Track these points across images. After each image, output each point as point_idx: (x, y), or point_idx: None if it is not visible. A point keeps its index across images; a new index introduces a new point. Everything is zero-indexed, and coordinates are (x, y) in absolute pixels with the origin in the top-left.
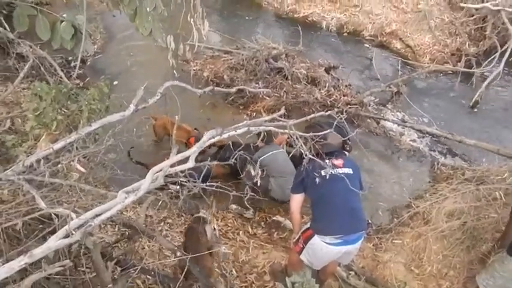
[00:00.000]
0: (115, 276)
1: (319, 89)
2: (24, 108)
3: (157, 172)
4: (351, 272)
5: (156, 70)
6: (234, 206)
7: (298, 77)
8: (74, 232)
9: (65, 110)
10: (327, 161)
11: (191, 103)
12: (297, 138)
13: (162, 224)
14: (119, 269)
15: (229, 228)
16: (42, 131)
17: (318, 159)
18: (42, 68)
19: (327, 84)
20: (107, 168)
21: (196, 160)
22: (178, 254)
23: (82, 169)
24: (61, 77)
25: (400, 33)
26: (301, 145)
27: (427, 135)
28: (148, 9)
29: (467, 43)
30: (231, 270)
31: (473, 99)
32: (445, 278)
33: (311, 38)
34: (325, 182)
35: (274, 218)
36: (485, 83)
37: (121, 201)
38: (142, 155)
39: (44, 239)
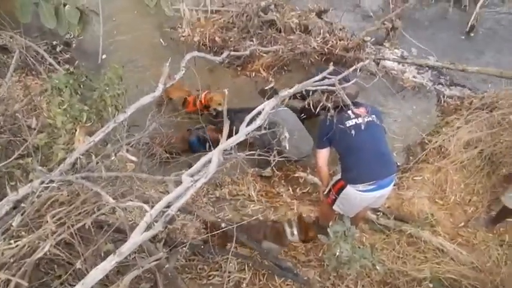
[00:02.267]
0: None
1: (315, 37)
2: (42, 102)
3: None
4: (378, 213)
5: (144, 41)
6: (251, 168)
7: (291, 27)
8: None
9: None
10: (349, 111)
11: (188, 72)
12: (322, 93)
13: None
14: None
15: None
16: (74, 124)
17: (344, 111)
18: (28, 58)
19: (321, 31)
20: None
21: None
22: (223, 225)
23: (133, 158)
24: (50, 64)
25: None
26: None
27: (428, 69)
28: None
29: None
30: None
31: (469, 24)
32: (469, 204)
33: None
34: (351, 132)
35: (296, 175)
36: (479, 3)
37: (189, 185)
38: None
39: (113, 235)
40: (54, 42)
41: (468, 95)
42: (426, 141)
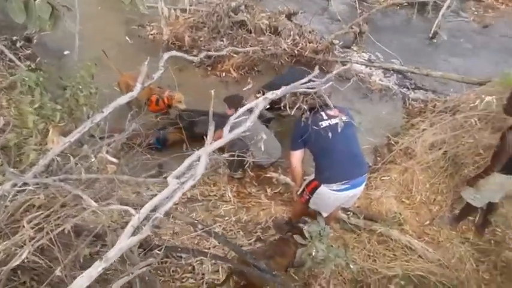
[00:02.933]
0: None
1: (285, 39)
2: (2, 99)
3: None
4: (349, 213)
5: (108, 37)
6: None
7: (262, 29)
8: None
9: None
10: (322, 112)
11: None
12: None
13: None
14: None
15: (224, 191)
16: (46, 124)
17: (318, 113)
18: None
19: (291, 33)
20: (136, 154)
21: None
22: (200, 226)
23: (114, 160)
24: (10, 60)
25: None
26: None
27: (394, 72)
28: None
29: None
30: (238, 231)
31: (432, 30)
32: (434, 204)
33: None
34: (326, 133)
35: (268, 175)
36: (441, 11)
37: (175, 187)
38: None
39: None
40: (14, 38)
41: (432, 99)
42: (393, 143)
